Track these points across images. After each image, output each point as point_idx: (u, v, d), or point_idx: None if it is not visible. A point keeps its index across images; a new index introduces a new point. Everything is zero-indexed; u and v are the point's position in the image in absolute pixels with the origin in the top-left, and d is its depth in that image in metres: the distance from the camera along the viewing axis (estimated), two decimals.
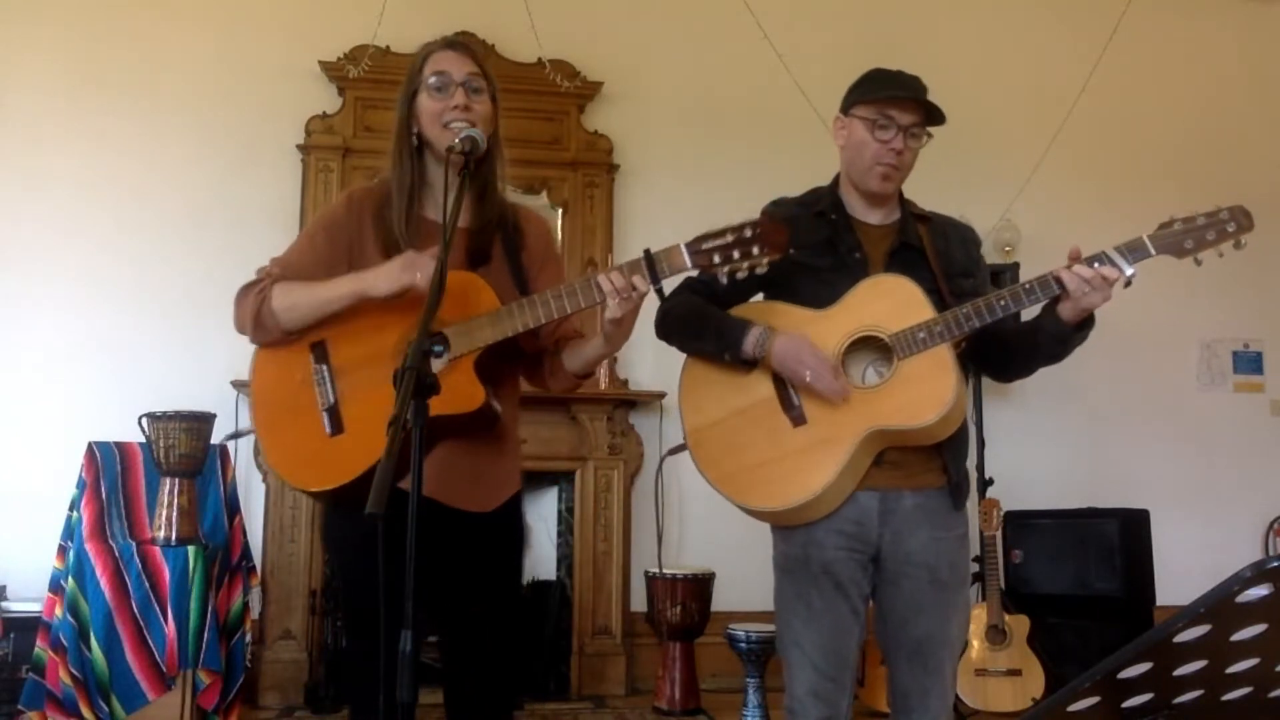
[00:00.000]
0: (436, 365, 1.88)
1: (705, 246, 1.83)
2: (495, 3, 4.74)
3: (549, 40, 4.73)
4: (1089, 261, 1.95)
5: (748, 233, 1.82)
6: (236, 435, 4.03)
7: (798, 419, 2.05)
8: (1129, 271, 1.94)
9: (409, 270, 1.83)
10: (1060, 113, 5.08)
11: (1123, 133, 5.34)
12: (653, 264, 1.84)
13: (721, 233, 1.83)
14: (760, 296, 2.24)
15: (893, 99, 2.08)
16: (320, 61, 4.71)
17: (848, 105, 2.16)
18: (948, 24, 5.23)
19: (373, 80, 4.63)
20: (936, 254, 2.14)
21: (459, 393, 1.85)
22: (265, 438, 2.01)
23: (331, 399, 1.93)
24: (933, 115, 2.10)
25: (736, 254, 1.82)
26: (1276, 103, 5.51)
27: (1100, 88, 5.12)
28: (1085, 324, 1.99)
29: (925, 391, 1.98)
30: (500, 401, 1.95)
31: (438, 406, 1.83)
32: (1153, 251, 1.96)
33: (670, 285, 1.89)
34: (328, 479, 1.89)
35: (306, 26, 4.76)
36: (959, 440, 2.10)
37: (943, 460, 2.08)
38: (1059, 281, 1.95)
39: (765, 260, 1.82)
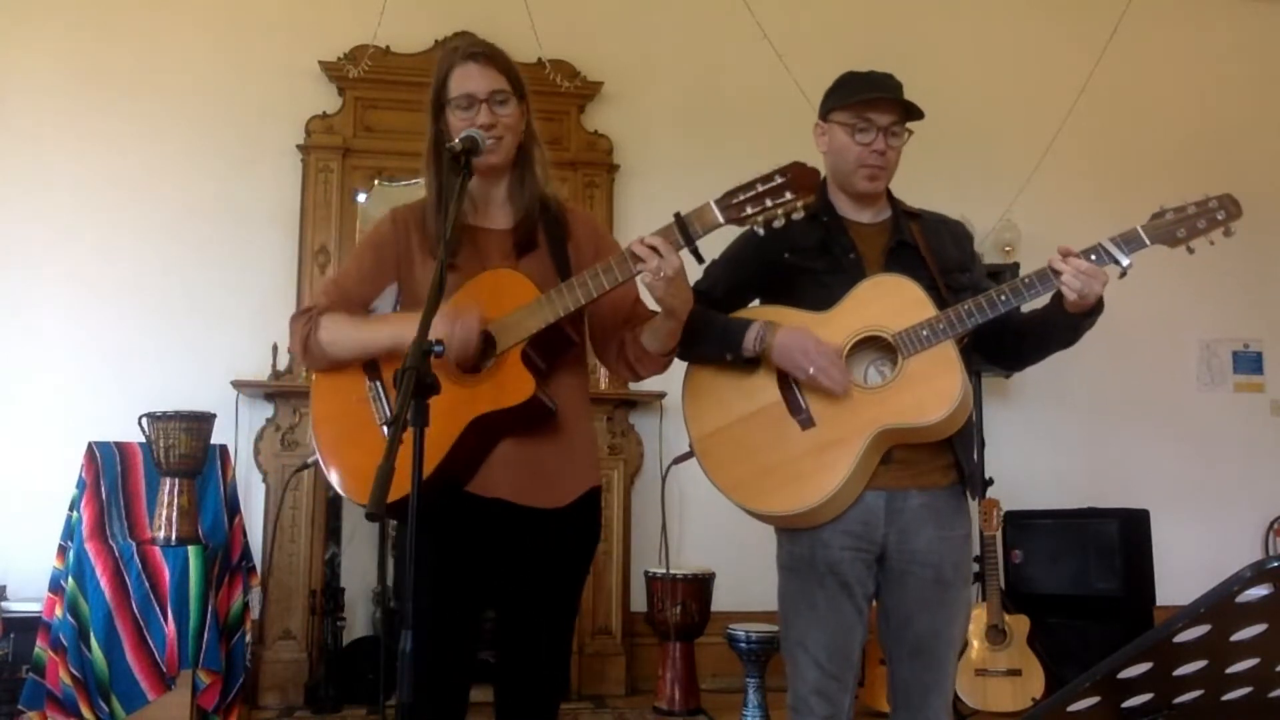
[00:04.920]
0: (483, 365, 1.90)
1: (736, 200, 1.83)
2: (495, 3, 4.74)
3: (549, 40, 4.73)
4: (1085, 255, 1.97)
5: (777, 179, 1.82)
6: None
7: (805, 422, 2.05)
8: (1125, 263, 1.97)
9: (444, 323, 1.82)
10: (1060, 113, 5.08)
11: (1123, 132, 5.34)
12: (685, 226, 1.84)
13: (751, 184, 1.83)
14: (757, 302, 2.24)
15: (869, 101, 2.09)
16: (320, 61, 4.71)
17: (825, 111, 2.18)
18: (948, 24, 5.23)
19: (373, 80, 4.63)
20: (931, 251, 2.15)
21: (507, 386, 1.85)
22: (331, 462, 2.03)
23: (388, 413, 1.95)
24: (910, 111, 2.10)
25: (769, 201, 1.81)
26: (1276, 102, 5.51)
27: (1100, 88, 5.12)
28: (1095, 310, 2.00)
29: (933, 388, 1.98)
30: (561, 395, 1.95)
31: (489, 402, 1.86)
32: (1147, 242, 1.99)
33: (704, 244, 1.89)
34: (395, 490, 1.90)
35: (306, 26, 4.76)
36: (967, 433, 2.10)
37: (953, 455, 2.08)
38: (1057, 274, 1.96)
39: (799, 203, 1.81)
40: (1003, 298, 1.99)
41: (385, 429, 1.94)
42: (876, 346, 2.06)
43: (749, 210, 1.82)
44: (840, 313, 2.07)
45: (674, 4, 5.11)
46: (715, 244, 1.95)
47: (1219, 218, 2.00)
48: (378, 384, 1.99)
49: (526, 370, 1.87)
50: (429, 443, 1.73)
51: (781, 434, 2.06)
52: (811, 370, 2.00)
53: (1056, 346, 2.13)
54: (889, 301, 2.04)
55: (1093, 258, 1.96)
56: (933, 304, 2.02)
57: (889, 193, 2.22)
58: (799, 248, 2.13)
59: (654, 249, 1.82)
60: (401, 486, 1.82)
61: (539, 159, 2.05)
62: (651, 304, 2.01)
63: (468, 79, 1.98)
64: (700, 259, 1.89)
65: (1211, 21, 5.50)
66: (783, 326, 2.05)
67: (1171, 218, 2.00)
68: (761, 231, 1.86)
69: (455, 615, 1.96)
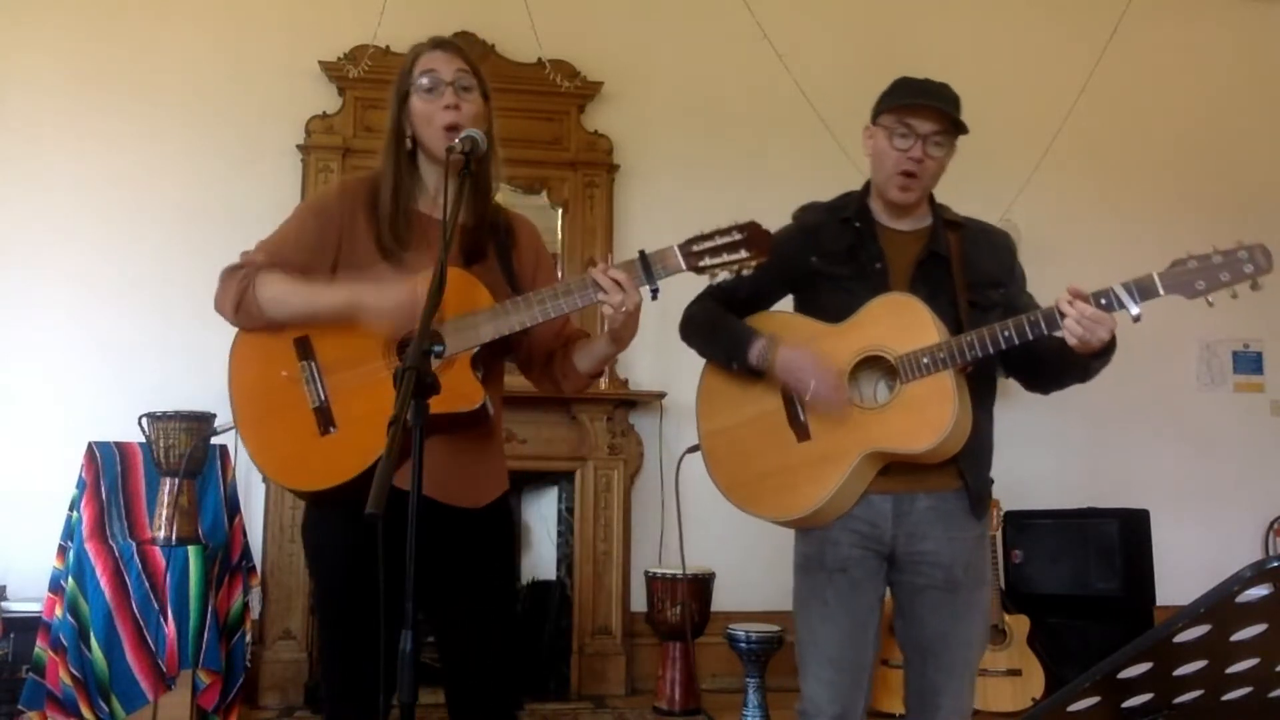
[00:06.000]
0: (432, 364, 1.88)
1: (696, 249, 1.88)
2: (495, 3, 4.74)
3: (549, 40, 4.73)
4: (1095, 298, 1.92)
5: (735, 235, 1.88)
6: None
7: (802, 433, 2.07)
8: (1135, 311, 1.91)
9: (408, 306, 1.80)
10: (1060, 113, 5.08)
11: (1123, 132, 5.33)
12: (648, 265, 1.87)
13: (710, 235, 1.89)
14: (790, 301, 2.24)
15: (912, 107, 2.07)
16: (320, 61, 4.71)
17: (875, 114, 2.16)
18: (948, 24, 5.23)
19: (373, 80, 4.62)
20: (964, 263, 2.13)
21: (458, 391, 1.84)
22: (250, 436, 1.97)
23: (321, 397, 1.91)
24: (956, 124, 2.08)
25: (726, 256, 1.87)
26: (1276, 103, 5.51)
27: (1100, 88, 5.12)
28: (1104, 351, 1.98)
29: (924, 418, 1.99)
30: (490, 401, 1.95)
31: (437, 405, 1.82)
32: (1161, 291, 1.91)
33: (666, 285, 1.91)
34: (322, 479, 1.87)
35: (306, 26, 4.76)
36: (976, 451, 2.09)
37: (957, 468, 2.08)
38: (1062, 316, 1.93)
39: (751, 262, 1.87)
40: (1006, 334, 1.97)
41: (316, 413, 1.90)
42: (881, 365, 2.06)
43: (707, 260, 1.88)
44: (850, 327, 2.07)
45: (674, 4, 5.11)
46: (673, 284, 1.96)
47: (1246, 270, 1.88)
48: (311, 364, 1.92)
49: (475, 377, 1.86)
50: (368, 436, 1.73)
51: (778, 442, 2.09)
52: (812, 386, 2.02)
53: (1072, 379, 2.12)
54: (897, 322, 2.04)
55: (1103, 302, 1.91)
56: (938, 330, 2.01)
57: (932, 200, 2.20)
58: (827, 252, 2.13)
59: (618, 283, 1.84)
60: (340, 473, 1.82)
61: (495, 164, 2.04)
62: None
63: (433, 62, 1.99)
64: (655, 297, 1.90)
65: (1211, 22, 5.50)
66: (786, 345, 2.06)
67: (1194, 266, 1.89)
68: (714, 282, 1.92)
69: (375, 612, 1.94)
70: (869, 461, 2.03)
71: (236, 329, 2.02)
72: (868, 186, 2.21)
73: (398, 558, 1.87)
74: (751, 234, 1.87)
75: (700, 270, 1.88)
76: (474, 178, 1.97)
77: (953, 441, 2.00)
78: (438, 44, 2.04)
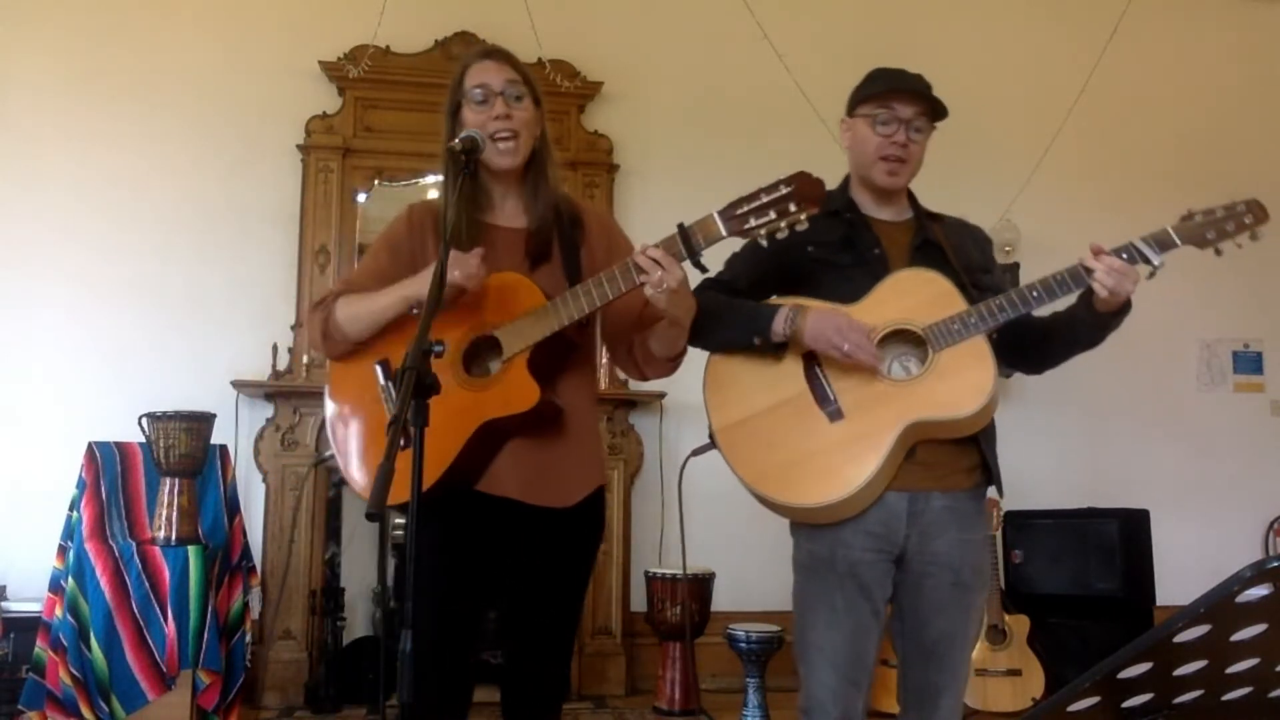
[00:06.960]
0: (492, 368, 1.93)
1: (740, 211, 1.80)
2: (495, 3, 4.74)
3: (549, 40, 4.72)
4: (1116, 253, 1.97)
5: (782, 189, 1.78)
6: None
7: (834, 414, 2.03)
8: (1156, 262, 1.98)
9: (449, 271, 1.80)
10: (1060, 113, 5.08)
11: (1123, 133, 5.34)
12: (687, 238, 1.83)
13: (754, 195, 1.80)
14: (774, 297, 2.23)
15: (894, 91, 2.10)
16: (320, 61, 4.71)
17: (851, 106, 2.18)
18: (948, 24, 5.23)
19: (373, 80, 4.63)
20: (954, 251, 2.15)
21: (515, 392, 1.87)
22: (347, 460, 2.05)
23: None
24: (936, 109, 2.11)
25: (773, 213, 1.79)
26: (1276, 103, 5.51)
27: (1100, 88, 5.12)
28: (1123, 309, 2.01)
29: (965, 382, 1.98)
30: (568, 396, 1.96)
31: (497, 408, 1.88)
32: (1178, 242, 1.99)
33: (708, 256, 1.88)
34: (403, 491, 1.90)
35: (306, 26, 4.76)
36: (991, 431, 2.11)
37: (979, 455, 2.08)
38: (1089, 272, 1.96)
39: (803, 215, 1.78)
40: (1035, 293, 1.99)
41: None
42: (902, 341, 2.05)
43: (752, 222, 1.79)
44: (869, 305, 2.05)
45: (674, 4, 5.11)
46: (719, 252, 1.95)
47: (1246, 221, 1.99)
48: (390, 384, 1.99)
49: (532, 377, 1.88)
50: (439, 445, 1.75)
51: (809, 426, 2.04)
52: (846, 348, 1.97)
53: (1082, 347, 2.13)
54: (919, 295, 2.03)
55: (1124, 256, 1.96)
56: (963, 298, 2.02)
57: (911, 194, 2.22)
58: (823, 242, 2.12)
59: (656, 261, 1.81)
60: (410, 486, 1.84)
61: (552, 165, 2.08)
62: None
63: (483, 73, 2.02)
64: (703, 270, 1.88)
65: (1211, 22, 5.50)
66: (812, 308, 2.04)
67: (1200, 220, 2.01)
68: (765, 244, 1.83)
69: (459, 614, 1.97)
70: (906, 436, 1.99)
71: (328, 360, 2.12)
72: (846, 180, 2.22)
73: (479, 561, 1.96)
74: (800, 185, 1.78)
75: (746, 233, 1.80)
76: (530, 180, 2.05)
77: (993, 405, 2.00)
78: (486, 54, 2.07)
